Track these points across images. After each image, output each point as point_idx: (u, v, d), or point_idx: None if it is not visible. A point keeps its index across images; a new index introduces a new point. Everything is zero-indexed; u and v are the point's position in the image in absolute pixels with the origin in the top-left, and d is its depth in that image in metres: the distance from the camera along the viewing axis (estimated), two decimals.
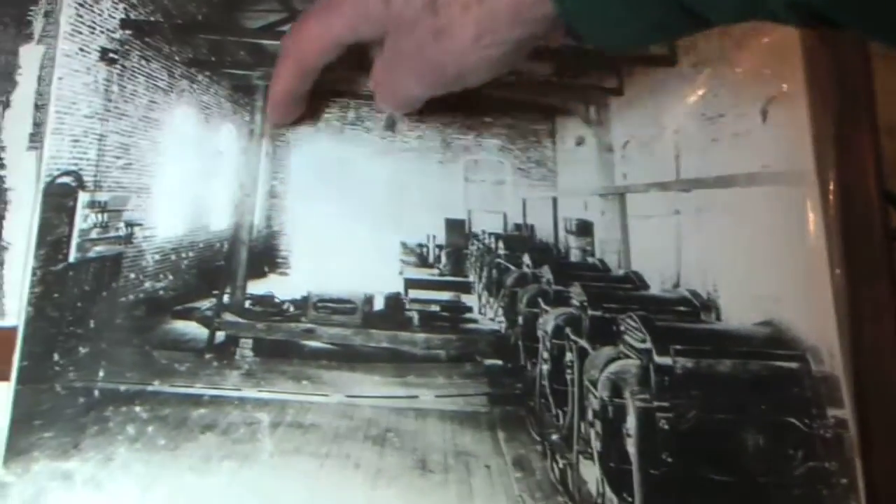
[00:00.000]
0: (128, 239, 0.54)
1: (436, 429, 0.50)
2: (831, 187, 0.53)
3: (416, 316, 0.54)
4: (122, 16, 0.56)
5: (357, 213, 0.53)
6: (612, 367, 0.48)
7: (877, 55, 0.55)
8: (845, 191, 0.53)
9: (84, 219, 0.52)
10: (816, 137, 0.53)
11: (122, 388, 0.49)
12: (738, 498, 0.46)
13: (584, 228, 0.56)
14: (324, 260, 0.54)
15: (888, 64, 0.66)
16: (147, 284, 0.54)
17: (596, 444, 0.48)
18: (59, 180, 0.52)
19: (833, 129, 0.54)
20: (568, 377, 0.51)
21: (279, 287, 0.55)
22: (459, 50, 0.38)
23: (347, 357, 0.53)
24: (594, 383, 0.48)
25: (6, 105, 0.54)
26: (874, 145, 0.54)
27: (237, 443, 0.48)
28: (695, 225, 0.54)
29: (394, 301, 0.54)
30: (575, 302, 0.53)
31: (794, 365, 0.49)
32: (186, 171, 0.56)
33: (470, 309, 0.56)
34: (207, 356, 0.52)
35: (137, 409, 0.48)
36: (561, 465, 0.49)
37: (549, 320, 0.53)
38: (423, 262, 0.56)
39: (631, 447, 0.47)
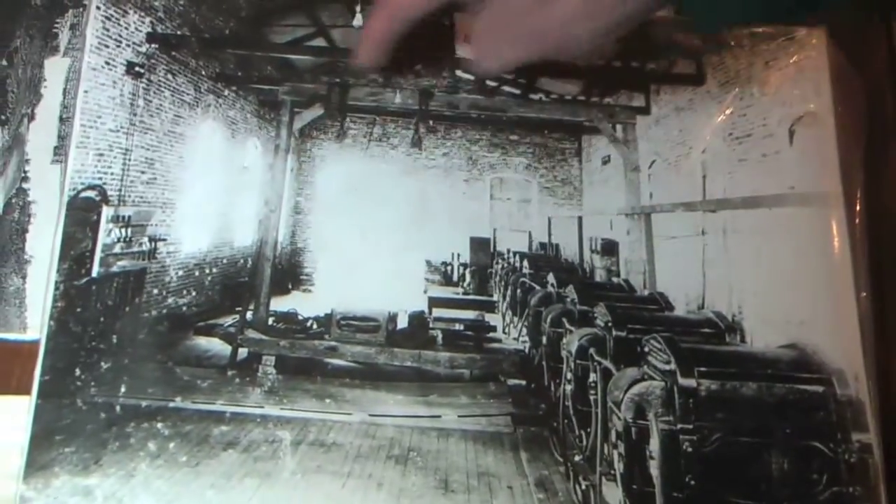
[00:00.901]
0: (151, 254, 0.54)
1: (458, 449, 0.49)
2: (858, 209, 0.52)
3: (439, 335, 0.54)
4: (149, 30, 0.56)
5: (382, 230, 0.52)
6: (636, 389, 0.48)
7: None
8: (872, 213, 0.52)
9: (108, 233, 0.52)
10: (843, 159, 0.53)
11: (144, 403, 0.49)
12: None
13: (610, 248, 0.56)
14: (348, 277, 0.54)
15: None
16: (170, 300, 0.54)
17: (619, 466, 0.47)
18: (83, 194, 0.52)
19: (860, 150, 0.54)
20: (591, 398, 0.51)
21: (303, 304, 0.55)
22: (564, 19, 0.36)
23: (370, 375, 0.52)
24: (618, 404, 0.48)
25: (31, 117, 0.54)
26: None
27: (259, 460, 0.48)
28: (721, 246, 0.54)
29: (418, 319, 0.54)
30: (599, 322, 0.53)
31: (819, 388, 0.48)
32: (211, 187, 0.55)
33: (494, 328, 0.56)
34: (230, 373, 0.52)
35: (159, 425, 0.48)
36: (584, 487, 0.48)
37: (573, 340, 0.53)
38: (447, 280, 0.56)
39: (654, 469, 0.46)
